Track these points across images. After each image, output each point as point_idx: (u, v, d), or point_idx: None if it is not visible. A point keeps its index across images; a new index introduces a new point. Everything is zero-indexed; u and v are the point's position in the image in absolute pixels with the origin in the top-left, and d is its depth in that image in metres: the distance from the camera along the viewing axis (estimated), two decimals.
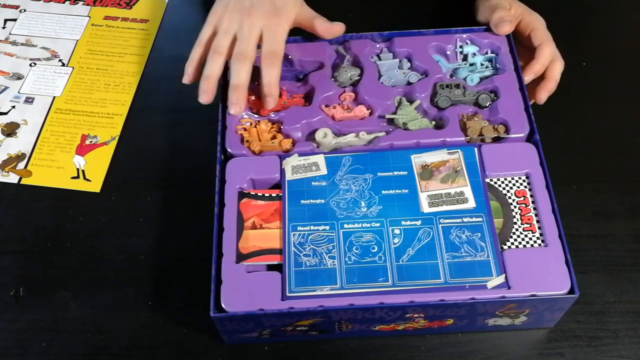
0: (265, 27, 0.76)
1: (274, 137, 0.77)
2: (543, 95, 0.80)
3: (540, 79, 0.81)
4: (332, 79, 0.81)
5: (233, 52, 0.76)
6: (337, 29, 0.81)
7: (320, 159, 0.74)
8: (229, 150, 0.76)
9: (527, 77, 0.80)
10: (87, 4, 1.03)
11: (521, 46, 0.83)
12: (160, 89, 0.93)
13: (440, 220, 0.70)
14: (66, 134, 0.89)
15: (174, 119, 0.90)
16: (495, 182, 0.73)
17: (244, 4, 0.77)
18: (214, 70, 0.76)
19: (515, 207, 0.71)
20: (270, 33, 0.76)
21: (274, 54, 0.76)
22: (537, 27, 0.82)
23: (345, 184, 0.73)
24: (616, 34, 0.98)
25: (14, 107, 0.91)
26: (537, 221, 0.70)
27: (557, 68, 0.81)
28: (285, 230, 0.70)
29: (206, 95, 0.76)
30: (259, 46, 0.77)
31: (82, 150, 0.87)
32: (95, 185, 0.84)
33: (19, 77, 0.95)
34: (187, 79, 0.79)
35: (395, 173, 0.73)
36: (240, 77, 0.75)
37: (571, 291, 0.65)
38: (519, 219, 0.70)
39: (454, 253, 0.68)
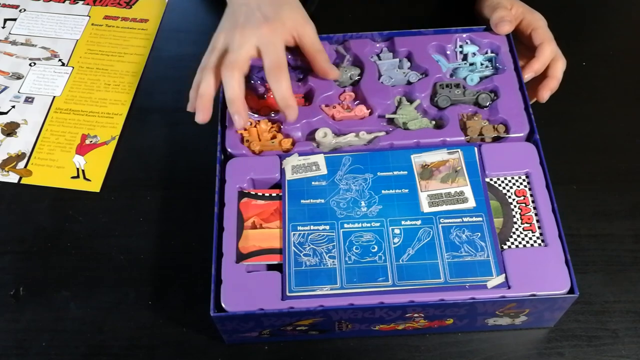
0: (259, 38, 0.72)
1: (274, 137, 0.77)
2: (545, 93, 0.80)
3: (543, 77, 0.81)
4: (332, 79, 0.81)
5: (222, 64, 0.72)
6: (334, 74, 0.78)
7: (320, 158, 0.74)
8: (229, 150, 0.76)
9: (527, 76, 0.80)
10: (87, 4, 1.03)
11: (522, 45, 0.83)
12: (160, 89, 0.93)
13: (440, 220, 0.70)
14: (66, 134, 0.89)
15: (174, 119, 0.90)
16: (495, 182, 0.73)
17: (238, 20, 0.74)
18: (205, 87, 0.73)
19: (515, 206, 0.71)
20: (266, 44, 0.72)
21: (276, 64, 0.72)
22: (538, 26, 0.82)
23: (345, 184, 0.73)
24: (616, 34, 0.98)
25: (13, 106, 0.91)
26: (537, 221, 0.70)
27: (559, 67, 0.81)
28: (285, 230, 0.70)
29: (201, 114, 0.73)
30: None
31: (82, 150, 0.87)
32: (95, 185, 0.84)
33: (18, 76, 0.95)
34: (190, 106, 0.75)
35: (395, 173, 0.73)
36: (232, 88, 0.71)
37: (571, 291, 0.66)
38: (519, 219, 0.70)
39: (454, 253, 0.68)
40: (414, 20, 0.92)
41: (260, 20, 0.73)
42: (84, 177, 0.85)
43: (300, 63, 0.82)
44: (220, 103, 0.78)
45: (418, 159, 0.74)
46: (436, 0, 0.98)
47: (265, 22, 0.73)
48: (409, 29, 0.84)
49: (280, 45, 0.73)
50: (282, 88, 0.72)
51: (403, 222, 0.70)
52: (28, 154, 0.87)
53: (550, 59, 0.80)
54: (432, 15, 0.98)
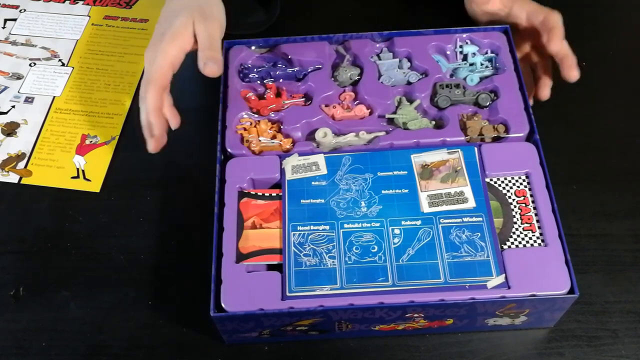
0: (153, 54, 0.75)
1: (274, 137, 0.77)
2: (573, 72, 0.79)
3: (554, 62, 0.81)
4: (332, 79, 0.81)
5: None
6: (210, 73, 0.76)
7: (320, 158, 0.74)
8: (229, 150, 0.76)
9: (557, 47, 0.79)
10: (87, 4, 1.03)
11: (517, 36, 0.83)
12: None
13: (440, 220, 0.70)
14: (66, 134, 0.89)
15: None
16: (495, 182, 0.73)
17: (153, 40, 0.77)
18: (141, 119, 0.76)
19: (515, 206, 0.71)
20: (152, 59, 0.75)
21: (145, 78, 0.75)
22: (532, 7, 0.82)
23: (345, 184, 0.73)
24: (616, 34, 0.98)
25: (13, 106, 0.91)
26: (537, 221, 0.70)
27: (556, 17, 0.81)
28: (285, 230, 0.70)
29: (150, 144, 0.76)
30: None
31: (82, 150, 0.87)
32: (95, 185, 0.84)
33: (18, 77, 0.95)
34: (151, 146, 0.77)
35: (395, 173, 0.73)
36: (141, 117, 0.75)
37: (571, 291, 0.66)
38: (519, 219, 0.70)
39: (454, 253, 0.68)
40: (413, 20, 0.92)
41: (157, 39, 0.75)
42: (84, 177, 0.85)
43: (299, 62, 0.82)
44: (220, 103, 0.78)
45: (418, 159, 0.74)
46: (436, 0, 0.98)
47: (160, 39, 0.75)
48: (409, 29, 0.84)
49: (160, 61, 0.74)
50: (144, 103, 0.75)
51: (403, 222, 0.70)
52: (28, 154, 0.87)
53: (559, 23, 0.80)
54: (432, 15, 0.98)
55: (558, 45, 0.79)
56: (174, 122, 0.76)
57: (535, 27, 0.82)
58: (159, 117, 0.75)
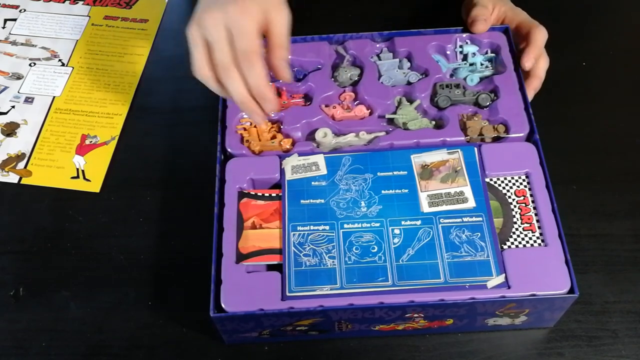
0: (227, 20, 0.64)
1: (274, 137, 0.77)
2: (529, 93, 0.79)
3: (526, 77, 0.80)
4: (332, 79, 0.81)
5: (236, 57, 0.65)
6: (284, 77, 0.69)
7: (320, 158, 0.74)
8: (229, 150, 0.76)
9: (528, 64, 0.79)
10: (87, 4, 1.03)
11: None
12: (160, 89, 0.93)
13: (440, 220, 0.70)
14: (66, 134, 0.89)
15: (174, 119, 0.90)
16: (495, 182, 0.73)
17: (207, 2, 0.66)
18: (238, 90, 0.67)
19: (515, 206, 0.71)
20: (234, 27, 0.64)
21: (248, 52, 0.65)
22: (521, 18, 0.82)
23: (345, 184, 0.73)
24: (616, 34, 0.98)
25: (13, 107, 0.92)
26: (537, 221, 0.70)
27: (542, 65, 0.80)
28: (285, 230, 0.70)
29: (260, 118, 0.69)
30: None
31: (82, 150, 0.87)
32: (95, 185, 0.84)
33: (18, 77, 0.95)
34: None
35: (395, 173, 0.73)
36: (255, 81, 0.66)
37: (571, 291, 0.65)
38: (519, 219, 0.70)
39: (453, 253, 0.68)
40: (414, 20, 0.92)
41: (208, 5, 0.66)
42: (84, 178, 0.85)
43: (299, 62, 0.82)
44: (220, 103, 0.78)
45: (418, 159, 0.74)
46: (436, 0, 0.98)
47: (234, 1, 0.65)
48: (409, 29, 0.84)
49: (251, 28, 0.65)
50: (255, 79, 0.66)
51: (403, 222, 0.70)
52: (28, 154, 0.87)
53: (544, 43, 0.80)
54: (432, 15, 0.98)
55: (529, 62, 0.79)
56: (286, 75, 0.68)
57: (522, 38, 0.82)
58: (269, 87, 0.67)
